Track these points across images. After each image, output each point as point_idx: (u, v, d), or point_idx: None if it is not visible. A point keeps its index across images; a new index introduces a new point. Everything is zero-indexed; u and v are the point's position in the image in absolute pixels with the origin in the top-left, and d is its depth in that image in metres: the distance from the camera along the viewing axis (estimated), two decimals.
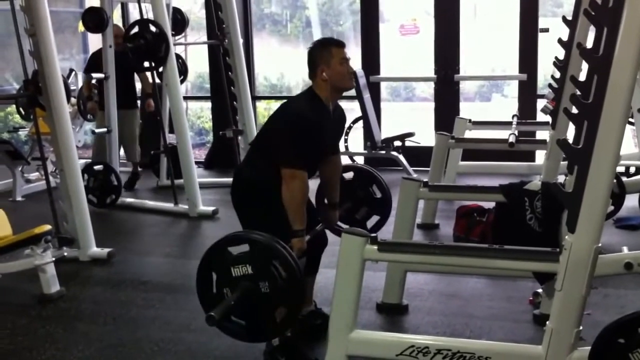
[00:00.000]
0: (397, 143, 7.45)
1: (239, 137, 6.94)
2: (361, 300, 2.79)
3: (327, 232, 3.55)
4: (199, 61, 9.00)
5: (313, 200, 3.58)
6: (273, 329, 2.81)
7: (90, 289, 4.41)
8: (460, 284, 4.27)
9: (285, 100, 3.40)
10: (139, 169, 7.35)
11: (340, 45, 3.24)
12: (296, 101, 3.28)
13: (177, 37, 7.20)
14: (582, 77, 2.45)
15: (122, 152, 7.17)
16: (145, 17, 6.05)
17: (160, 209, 6.39)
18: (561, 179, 4.14)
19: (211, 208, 6.11)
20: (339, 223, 3.75)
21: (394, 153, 7.35)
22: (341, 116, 3.42)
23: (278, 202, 3.07)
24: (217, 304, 2.71)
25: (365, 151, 7.59)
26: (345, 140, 7.65)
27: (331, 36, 3.64)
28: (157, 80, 6.30)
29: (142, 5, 6.11)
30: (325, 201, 3.61)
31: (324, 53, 3.19)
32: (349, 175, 3.79)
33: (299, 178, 3.05)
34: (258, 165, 3.21)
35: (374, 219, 3.87)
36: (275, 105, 8.32)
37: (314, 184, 3.57)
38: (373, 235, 2.70)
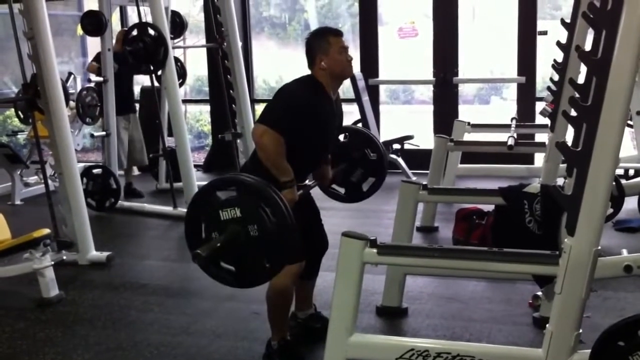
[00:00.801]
0: (396, 146, 7.44)
1: (238, 140, 6.93)
2: (361, 303, 2.78)
3: (327, 234, 3.53)
4: (197, 64, 9.00)
5: None
6: (262, 274, 2.74)
7: (89, 293, 4.41)
8: (460, 287, 4.27)
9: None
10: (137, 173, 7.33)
11: (338, 34, 3.24)
12: (295, 83, 3.24)
13: (175, 41, 7.20)
14: (581, 79, 2.45)
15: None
16: (143, 20, 6.05)
17: (159, 213, 6.38)
18: (560, 181, 4.14)
19: None
20: (334, 186, 3.74)
21: (393, 156, 7.34)
22: (340, 111, 3.40)
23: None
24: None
25: None
26: None
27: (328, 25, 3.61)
28: (156, 84, 6.30)
29: (141, 8, 6.11)
30: None
31: (322, 42, 3.19)
32: (342, 136, 3.77)
33: (268, 135, 3.00)
34: (259, 160, 3.19)
35: (370, 182, 3.82)
36: None
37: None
38: (372, 238, 2.70)
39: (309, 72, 3.25)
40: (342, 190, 3.80)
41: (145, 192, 7.20)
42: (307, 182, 3.34)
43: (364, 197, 3.80)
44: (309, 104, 3.12)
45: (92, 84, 6.85)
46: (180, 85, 6.83)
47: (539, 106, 5.55)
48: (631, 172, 6.32)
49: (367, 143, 3.81)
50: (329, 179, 3.56)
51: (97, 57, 6.72)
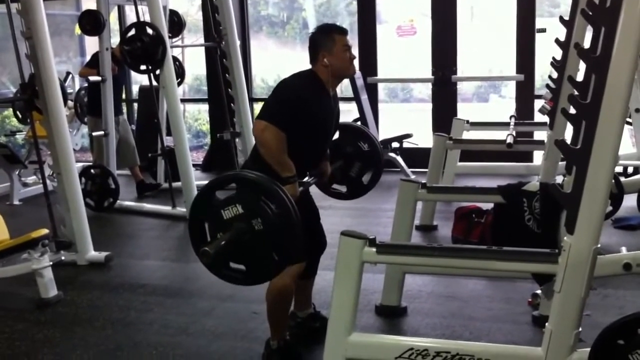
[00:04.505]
0: (395, 144, 7.44)
1: (237, 140, 6.93)
2: (360, 302, 2.77)
3: (326, 235, 3.53)
4: (196, 63, 8.99)
5: None
6: (273, 267, 2.72)
7: (88, 293, 4.40)
8: (459, 285, 4.26)
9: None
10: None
11: (343, 32, 3.22)
12: (295, 76, 3.23)
13: (174, 40, 7.19)
14: (580, 77, 2.44)
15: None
16: (142, 19, 6.04)
17: (158, 212, 6.38)
18: (559, 179, 4.14)
19: None
20: (335, 185, 3.73)
21: (392, 154, 7.34)
22: (338, 108, 3.39)
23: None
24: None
25: None
26: None
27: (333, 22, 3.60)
28: (155, 83, 6.29)
29: (139, 7, 6.10)
30: None
31: (326, 39, 3.18)
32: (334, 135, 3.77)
33: (270, 131, 2.99)
34: (261, 158, 3.18)
35: (369, 175, 3.79)
36: None
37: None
38: (371, 237, 2.69)
39: (310, 56, 3.23)
40: (343, 189, 3.80)
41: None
42: (306, 178, 3.33)
43: (367, 190, 3.78)
44: (308, 100, 3.12)
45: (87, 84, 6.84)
46: (179, 84, 6.83)
47: (538, 104, 5.56)
48: (630, 169, 6.32)
49: (358, 136, 3.80)
50: (327, 174, 3.55)
51: (93, 59, 6.71)
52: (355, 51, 3.28)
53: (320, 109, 3.18)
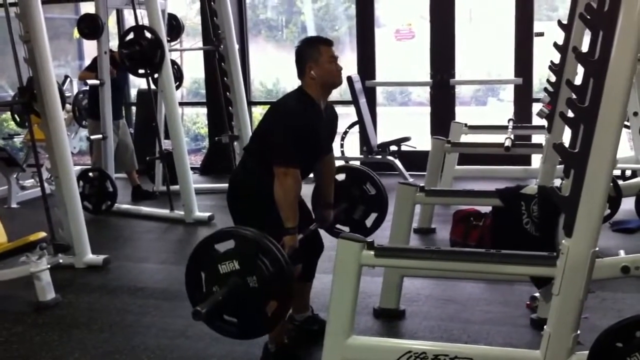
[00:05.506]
0: (393, 148, 7.45)
1: (235, 143, 6.94)
2: (358, 305, 2.78)
3: (323, 236, 3.53)
4: (194, 67, 8.99)
5: (309, 203, 3.57)
6: (265, 323, 2.75)
7: (86, 296, 4.39)
8: (457, 288, 4.26)
9: (275, 101, 3.35)
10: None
11: (328, 43, 3.23)
12: (287, 101, 3.24)
13: (172, 43, 7.20)
14: (578, 81, 2.45)
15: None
16: (140, 23, 6.05)
17: (156, 215, 6.37)
18: (557, 182, 4.14)
19: (207, 214, 6.10)
20: (338, 225, 3.74)
21: (390, 158, 7.35)
22: (333, 115, 3.40)
23: (273, 205, 3.06)
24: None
25: (361, 156, 7.58)
26: (342, 145, 7.65)
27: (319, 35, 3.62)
28: (153, 87, 6.30)
29: (138, 11, 6.11)
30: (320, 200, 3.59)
31: (312, 51, 3.18)
32: (340, 176, 3.78)
33: (292, 175, 3.03)
34: (253, 168, 3.20)
35: (373, 217, 3.82)
36: None
37: (308, 189, 3.58)
38: (369, 240, 2.69)
39: (297, 70, 3.24)
40: (346, 229, 3.81)
41: None
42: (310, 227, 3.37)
43: (369, 234, 3.75)
44: (306, 123, 3.12)
45: (87, 87, 6.84)
46: (177, 88, 6.82)
47: (536, 107, 5.56)
48: (628, 172, 6.33)
49: (365, 179, 3.83)
50: (329, 222, 3.58)
51: (94, 62, 6.71)
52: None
53: (316, 127, 3.19)
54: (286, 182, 3.02)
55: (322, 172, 3.51)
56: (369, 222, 3.81)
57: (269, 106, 3.41)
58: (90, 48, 8.53)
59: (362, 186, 3.82)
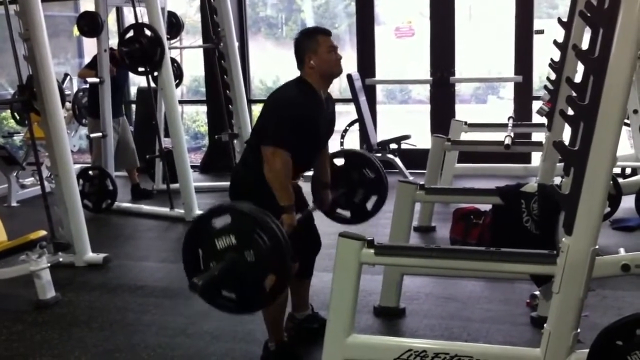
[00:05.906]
0: (393, 146, 7.44)
1: (235, 141, 6.93)
2: (358, 303, 2.77)
3: (322, 234, 3.52)
4: (194, 65, 8.99)
5: (309, 203, 3.56)
6: (263, 298, 2.73)
7: (86, 295, 4.39)
8: (458, 286, 4.26)
9: (273, 92, 3.32)
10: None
11: (327, 33, 3.24)
12: (287, 91, 3.23)
13: (172, 41, 7.19)
14: (578, 78, 2.45)
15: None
16: (140, 21, 6.04)
17: (156, 214, 6.37)
18: (557, 180, 4.14)
19: None
20: (339, 210, 3.74)
21: (390, 156, 7.34)
22: (333, 108, 3.39)
23: (274, 200, 3.05)
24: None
25: None
26: (341, 143, 7.65)
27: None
28: (153, 85, 6.29)
29: (137, 9, 6.10)
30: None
31: (310, 42, 3.19)
32: (339, 161, 3.78)
33: (279, 155, 3.02)
34: (253, 164, 3.19)
35: (373, 200, 3.83)
36: None
37: (307, 188, 3.58)
38: (370, 238, 2.69)
39: (296, 61, 3.23)
40: (347, 214, 3.83)
41: None
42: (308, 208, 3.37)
43: (370, 216, 3.82)
44: (304, 112, 3.12)
45: (87, 85, 6.83)
46: (177, 86, 6.82)
47: (536, 105, 5.55)
48: (628, 170, 6.33)
49: (364, 163, 3.83)
50: (327, 203, 3.59)
51: (94, 60, 6.71)
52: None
53: (315, 116, 3.19)
54: (275, 163, 3.02)
55: (317, 162, 3.51)
56: (369, 205, 3.81)
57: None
58: (90, 46, 8.53)
59: (361, 170, 3.81)
